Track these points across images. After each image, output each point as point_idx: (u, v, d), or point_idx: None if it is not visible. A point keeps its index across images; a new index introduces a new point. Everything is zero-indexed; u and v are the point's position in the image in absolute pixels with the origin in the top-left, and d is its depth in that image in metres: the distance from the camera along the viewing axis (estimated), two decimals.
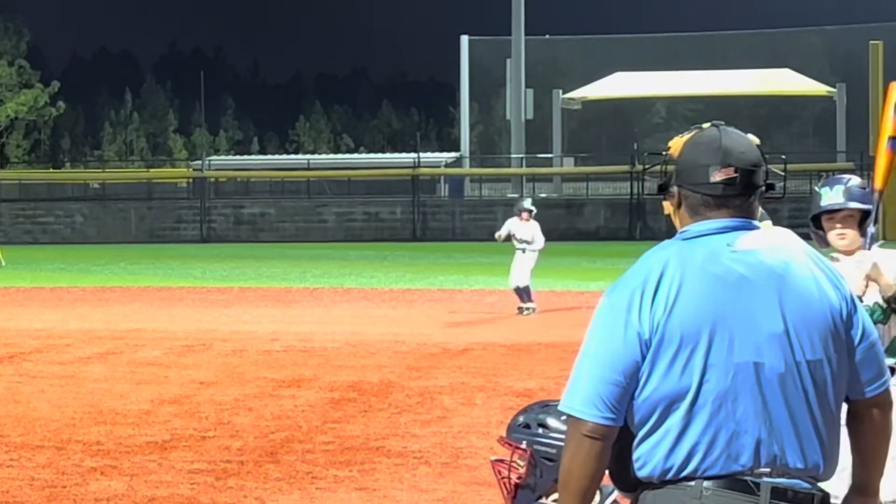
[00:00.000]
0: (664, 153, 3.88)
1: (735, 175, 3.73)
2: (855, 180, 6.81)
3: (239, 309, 24.32)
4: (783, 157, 4.33)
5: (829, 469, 3.73)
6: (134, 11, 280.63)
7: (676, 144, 3.84)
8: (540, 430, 4.53)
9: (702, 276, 3.66)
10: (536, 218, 23.44)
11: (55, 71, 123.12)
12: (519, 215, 23.48)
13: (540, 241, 23.26)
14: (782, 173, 4.00)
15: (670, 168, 3.85)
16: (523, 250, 23.04)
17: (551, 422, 4.54)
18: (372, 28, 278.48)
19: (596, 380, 3.66)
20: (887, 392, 3.84)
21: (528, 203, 24.06)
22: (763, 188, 3.81)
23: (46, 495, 9.24)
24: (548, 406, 4.58)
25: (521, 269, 23.04)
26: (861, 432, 3.84)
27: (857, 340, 3.76)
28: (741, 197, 3.75)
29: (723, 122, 3.85)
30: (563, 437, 4.24)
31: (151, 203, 62.65)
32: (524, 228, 23.24)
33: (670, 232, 3.87)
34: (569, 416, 3.71)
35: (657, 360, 3.63)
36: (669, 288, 3.64)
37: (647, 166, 4.14)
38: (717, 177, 3.73)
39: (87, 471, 9.97)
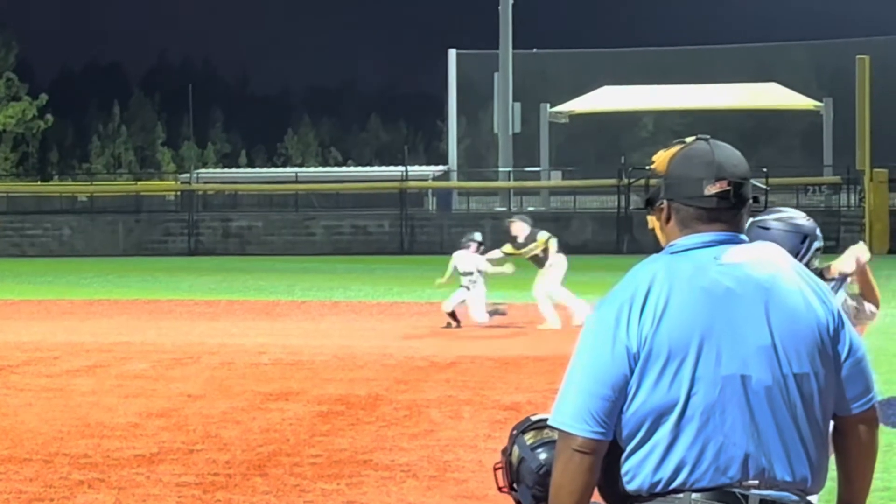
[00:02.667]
0: (649, 167, 3.90)
1: (728, 188, 3.75)
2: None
3: (227, 322, 24.29)
4: (764, 169, 4.36)
5: (817, 483, 3.74)
6: (122, 24, 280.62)
7: (661, 158, 3.85)
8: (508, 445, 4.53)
9: (689, 290, 3.67)
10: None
11: (43, 84, 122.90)
12: (468, 247, 22.57)
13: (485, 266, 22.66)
14: (765, 186, 4.02)
15: (655, 182, 3.87)
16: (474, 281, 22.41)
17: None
18: (360, 41, 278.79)
19: (585, 394, 3.67)
20: (874, 409, 3.84)
21: (478, 236, 23.02)
22: (752, 201, 3.84)
23: None
24: (526, 420, 4.55)
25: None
26: (847, 449, 3.85)
27: (843, 356, 3.77)
28: (733, 210, 3.78)
29: (709, 136, 3.87)
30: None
31: (139, 216, 62.51)
32: (475, 260, 22.54)
33: (657, 246, 3.88)
34: (559, 430, 3.72)
35: (645, 373, 3.64)
36: (657, 302, 3.66)
37: (632, 181, 4.17)
38: (711, 190, 3.74)
39: (74, 484, 9.96)
